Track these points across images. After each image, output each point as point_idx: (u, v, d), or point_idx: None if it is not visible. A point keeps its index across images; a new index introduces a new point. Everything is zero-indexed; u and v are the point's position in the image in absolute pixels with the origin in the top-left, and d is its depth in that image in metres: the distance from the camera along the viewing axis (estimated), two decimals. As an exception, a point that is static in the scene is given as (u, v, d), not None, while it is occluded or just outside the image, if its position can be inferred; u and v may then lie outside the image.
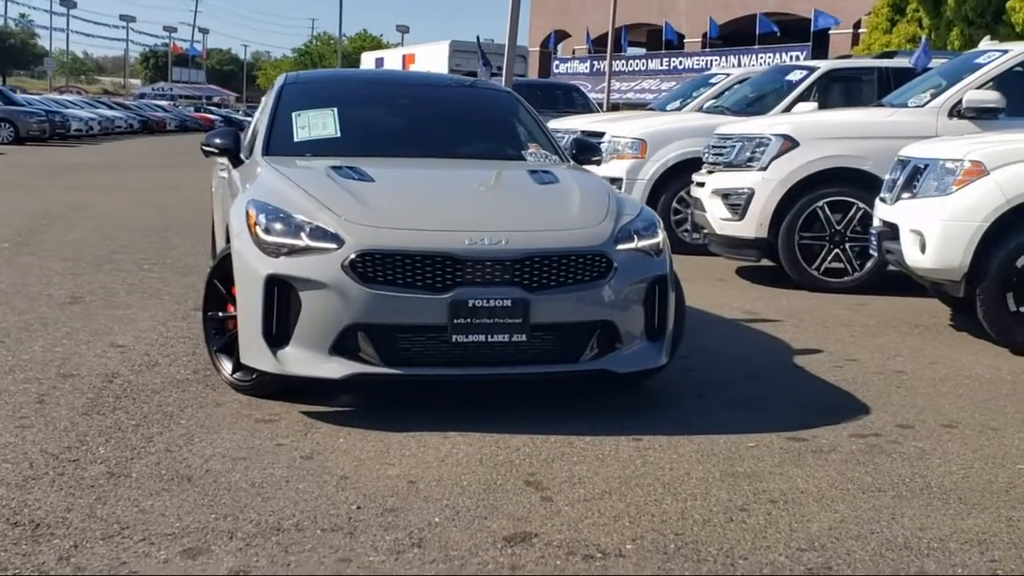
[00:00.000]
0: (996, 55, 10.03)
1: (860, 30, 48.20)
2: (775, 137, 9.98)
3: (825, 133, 10.02)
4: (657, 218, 5.93)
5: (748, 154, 10.15)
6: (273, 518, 4.04)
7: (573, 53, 62.02)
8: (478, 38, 15.30)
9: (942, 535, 4.10)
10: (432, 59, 31.89)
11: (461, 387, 5.77)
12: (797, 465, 4.86)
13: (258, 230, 5.34)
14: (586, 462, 4.80)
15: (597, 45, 57.47)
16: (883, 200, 8.51)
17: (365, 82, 8.11)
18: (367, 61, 38.75)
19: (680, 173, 12.28)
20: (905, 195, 8.00)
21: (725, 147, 10.52)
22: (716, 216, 10.32)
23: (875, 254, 8.59)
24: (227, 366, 5.74)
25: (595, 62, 57.64)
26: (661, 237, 5.73)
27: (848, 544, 3.98)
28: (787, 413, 5.70)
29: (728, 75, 15.74)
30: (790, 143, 9.92)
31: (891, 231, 8.12)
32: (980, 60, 10.13)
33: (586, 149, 7.12)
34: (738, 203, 10.08)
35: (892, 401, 6.05)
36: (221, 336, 5.84)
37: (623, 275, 5.41)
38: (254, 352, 5.31)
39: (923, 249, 7.60)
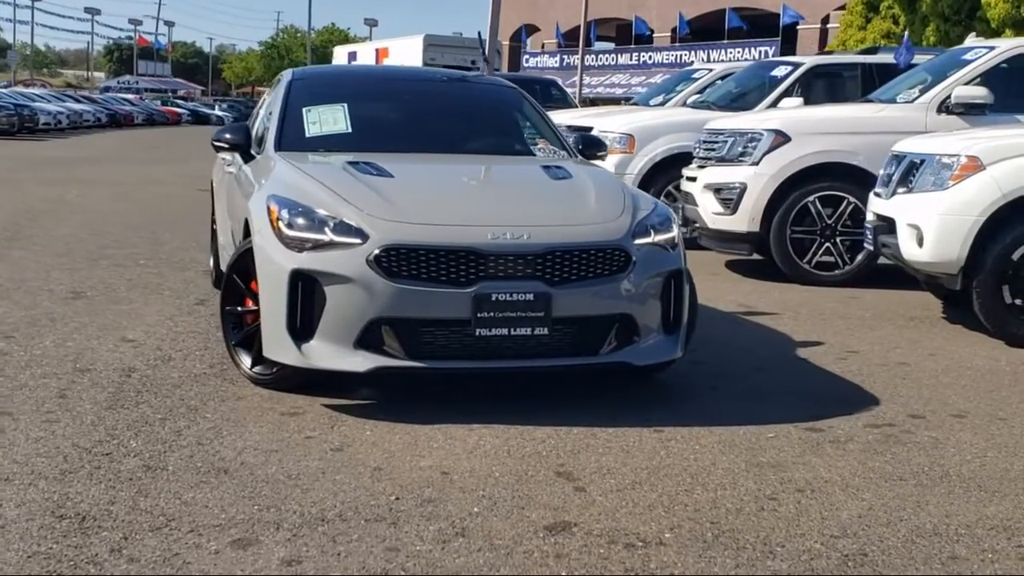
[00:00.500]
0: (983, 51, 10.19)
1: (828, 25, 48.60)
2: (767, 132, 10.10)
3: (816, 128, 10.14)
4: (672, 213, 6.02)
5: (740, 149, 10.26)
6: (316, 509, 4.10)
7: (542, 47, 62.12)
8: (479, 34, 15.34)
9: (968, 522, 4.20)
10: (406, 53, 31.88)
11: (480, 380, 5.85)
12: (817, 455, 4.95)
13: (281, 225, 5.38)
14: (612, 453, 4.88)
15: (567, 39, 57.62)
16: (878, 195, 8.63)
17: (372, 78, 8.16)
18: (339, 55, 38.64)
19: (668, 168, 12.39)
20: (901, 190, 8.12)
21: (717, 142, 10.62)
22: (708, 210, 10.42)
23: (870, 248, 8.72)
24: (246, 360, 5.78)
25: (565, 56, 57.74)
26: (676, 231, 5.82)
27: (879, 531, 4.07)
28: (799, 404, 5.80)
29: (710, 70, 15.85)
30: (782, 138, 10.04)
31: (887, 225, 8.24)
32: (967, 56, 10.28)
33: (592, 144, 7.21)
34: (730, 197, 10.19)
35: (899, 392, 6.16)
36: (239, 330, 5.89)
37: (641, 269, 5.50)
38: (278, 346, 5.35)
39: (920, 243, 7.72)
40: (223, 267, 7.79)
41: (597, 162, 7.20)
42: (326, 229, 5.29)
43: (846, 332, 7.88)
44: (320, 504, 4.16)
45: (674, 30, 54.10)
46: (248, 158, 6.74)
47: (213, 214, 8.88)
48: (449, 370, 5.41)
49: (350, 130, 6.73)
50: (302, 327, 5.29)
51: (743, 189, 10.10)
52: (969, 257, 7.57)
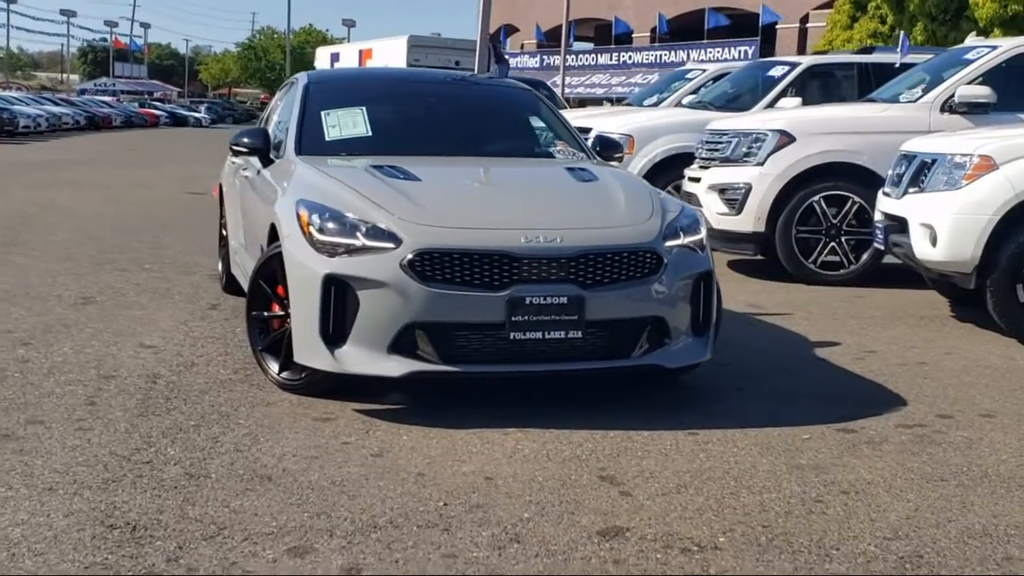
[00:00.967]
0: (985, 51, 10.24)
1: (808, 24, 48.79)
2: (772, 132, 10.12)
3: (821, 128, 10.17)
4: (700, 215, 6.02)
5: (744, 149, 10.27)
6: (366, 516, 4.08)
7: (522, 47, 62.13)
8: (490, 37, 15.28)
9: (1017, 522, 4.21)
10: (390, 54, 31.77)
11: (508, 383, 5.83)
12: (855, 456, 4.96)
13: (312, 230, 5.36)
14: (651, 456, 4.87)
15: (547, 40, 57.63)
16: (887, 194, 8.66)
17: (388, 80, 8.13)
18: (321, 57, 38.48)
19: (668, 168, 12.39)
20: (913, 190, 8.14)
21: (720, 142, 10.64)
22: (713, 211, 10.42)
23: (881, 247, 8.74)
24: (274, 366, 5.75)
25: (545, 56, 57.77)
26: (704, 233, 5.82)
27: (930, 532, 4.08)
28: (827, 405, 5.81)
29: (703, 71, 15.87)
30: (787, 138, 10.07)
31: (898, 225, 8.27)
32: (969, 56, 10.32)
33: (609, 146, 7.22)
34: (735, 198, 10.21)
35: (924, 392, 6.18)
36: (265, 336, 5.85)
37: (672, 271, 5.50)
38: (310, 351, 5.33)
39: (934, 242, 7.75)
40: (234, 271, 7.80)
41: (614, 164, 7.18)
42: (358, 234, 5.27)
43: (860, 332, 7.90)
44: (369, 511, 4.13)
45: (653, 30, 54.22)
46: (267, 162, 6.70)
47: (222, 218, 8.84)
48: (483, 374, 5.40)
49: (370, 133, 6.71)
50: (334, 332, 5.27)
51: (748, 189, 10.11)
52: (983, 256, 7.60)
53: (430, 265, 5.16)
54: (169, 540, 3.80)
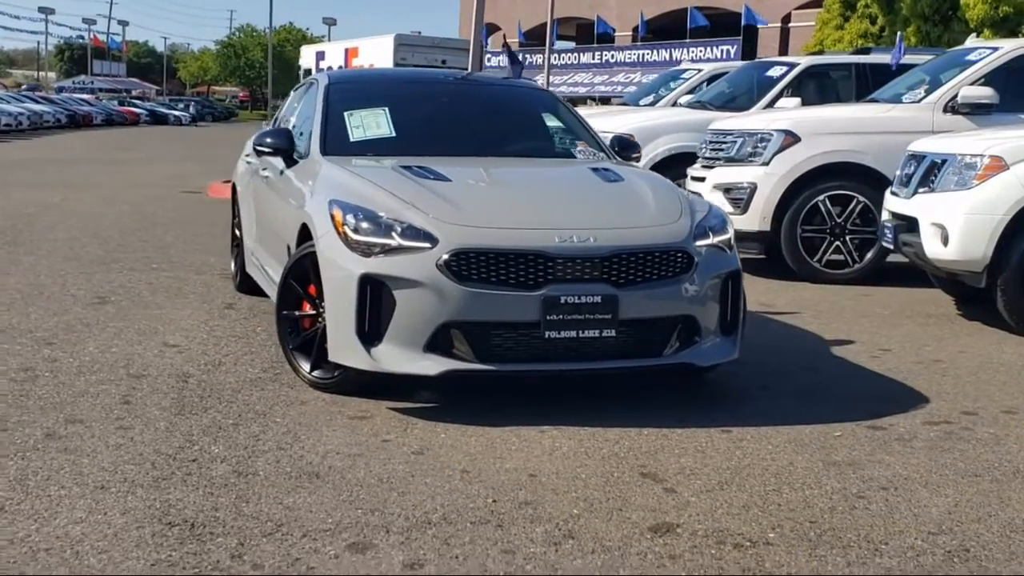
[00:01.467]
0: (987, 52, 10.35)
1: (790, 24, 49.01)
2: (777, 132, 10.21)
3: (826, 128, 10.27)
4: (726, 215, 6.09)
5: (750, 149, 10.36)
6: (418, 512, 4.13)
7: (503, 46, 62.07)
8: (505, 39, 15.35)
9: (1055, 517, 4.29)
10: (377, 53, 31.78)
11: (534, 382, 5.89)
12: (888, 453, 5.04)
13: (347, 230, 5.40)
14: (689, 454, 4.94)
15: (528, 39, 57.68)
16: (895, 194, 8.75)
17: (408, 81, 8.16)
18: (307, 55, 38.42)
19: (669, 168, 12.41)
20: (923, 189, 8.24)
21: (725, 142, 10.72)
22: (718, 210, 10.48)
23: (890, 246, 8.83)
24: (305, 365, 5.79)
25: (527, 55, 57.75)
26: (731, 233, 5.89)
27: (973, 527, 4.16)
28: (852, 402, 5.89)
29: (699, 70, 15.96)
30: (792, 138, 10.16)
31: (908, 224, 8.36)
32: (971, 57, 10.42)
33: (628, 147, 7.28)
34: (740, 197, 10.29)
35: (944, 389, 6.26)
36: (296, 335, 5.89)
37: (703, 271, 5.57)
38: (346, 350, 5.37)
39: (945, 242, 7.84)
40: (250, 271, 7.84)
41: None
42: (393, 234, 5.32)
43: (872, 330, 7.98)
44: (420, 507, 4.18)
45: (635, 29, 54.34)
46: (290, 163, 6.73)
47: (234, 218, 8.86)
48: (518, 372, 5.45)
49: (393, 134, 6.75)
50: (370, 331, 5.31)
51: (753, 189, 10.20)
52: (993, 255, 7.69)
53: (466, 265, 5.21)
54: (229, 537, 3.84)
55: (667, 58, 52.08)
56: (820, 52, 17.60)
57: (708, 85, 15.21)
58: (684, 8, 51.42)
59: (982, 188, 7.72)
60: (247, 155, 8.49)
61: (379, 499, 4.25)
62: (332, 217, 5.51)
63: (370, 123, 6.72)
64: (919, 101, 10.25)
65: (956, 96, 9.96)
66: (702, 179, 10.86)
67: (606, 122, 13.02)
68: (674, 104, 14.95)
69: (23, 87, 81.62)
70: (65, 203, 15.79)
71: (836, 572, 3.73)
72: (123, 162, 27.17)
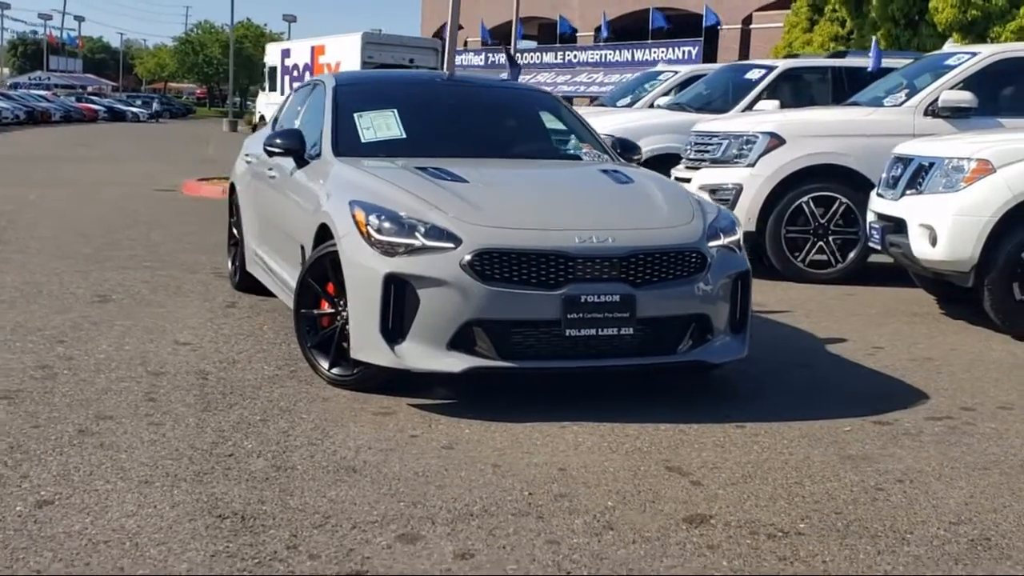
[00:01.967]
0: (966, 57, 10.59)
1: (751, 26, 49.41)
2: (763, 135, 10.41)
3: (810, 131, 10.47)
4: (735, 216, 6.26)
5: (735, 151, 10.56)
6: (459, 504, 4.25)
7: (466, 45, 62.16)
8: (506, 49, 15.46)
9: (1067, 507, 4.48)
10: (343, 51, 31.82)
11: (547, 379, 6.03)
12: (898, 447, 5.22)
13: (370, 230, 5.51)
14: (708, 448, 5.09)
15: (492, 37, 57.83)
16: (881, 196, 8.96)
17: (413, 83, 8.26)
18: (272, 52, 38.32)
19: (651, 168, 12.58)
20: (910, 191, 8.44)
21: (711, 144, 10.90)
22: (703, 211, 10.66)
23: (877, 247, 9.03)
24: (324, 363, 5.91)
25: (490, 55, 57.93)
26: (740, 234, 6.06)
27: (990, 517, 4.34)
28: (854, 399, 6.08)
29: (675, 72, 16.16)
30: (777, 140, 10.36)
31: (895, 225, 8.56)
32: (950, 62, 10.66)
33: (629, 148, 7.44)
34: (726, 198, 10.46)
35: (941, 386, 6.46)
36: (314, 333, 6.00)
37: (715, 271, 5.73)
38: (370, 348, 5.49)
39: (934, 243, 8.05)
40: (250, 269, 7.93)
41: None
42: (417, 234, 5.43)
43: (861, 328, 8.18)
44: (460, 500, 4.31)
45: (597, 29, 54.60)
46: (301, 163, 6.83)
47: (231, 217, 8.93)
48: (539, 370, 5.59)
49: (404, 135, 6.86)
50: (393, 329, 5.43)
51: (739, 190, 10.39)
52: (981, 256, 7.90)
53: (489, 265, 5.34)
54: (281, 529, 3.95)
55: (629, 59, 52.48)
56: (795, 55, 17.82)
57: (683, 87, 15.40)
58: (646, 9, 51.75)
59: (970, 190, 7.93)
60: (247, 155, 8.57)
61: (418, 492, 4.37)
62: (354, 217, 5.61)
63: (380, 124, 6.83)
64: (900, 105, 10.48)
65: (937, 100, 10.19)
66: (687, 180, 11.02)
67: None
68: (651, 106, 15.13)
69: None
70: (42, 201, 15.76)
71: (868, 560, 3.88)
72: (89, 159, 27.04)
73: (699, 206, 6.06)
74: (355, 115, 6.93)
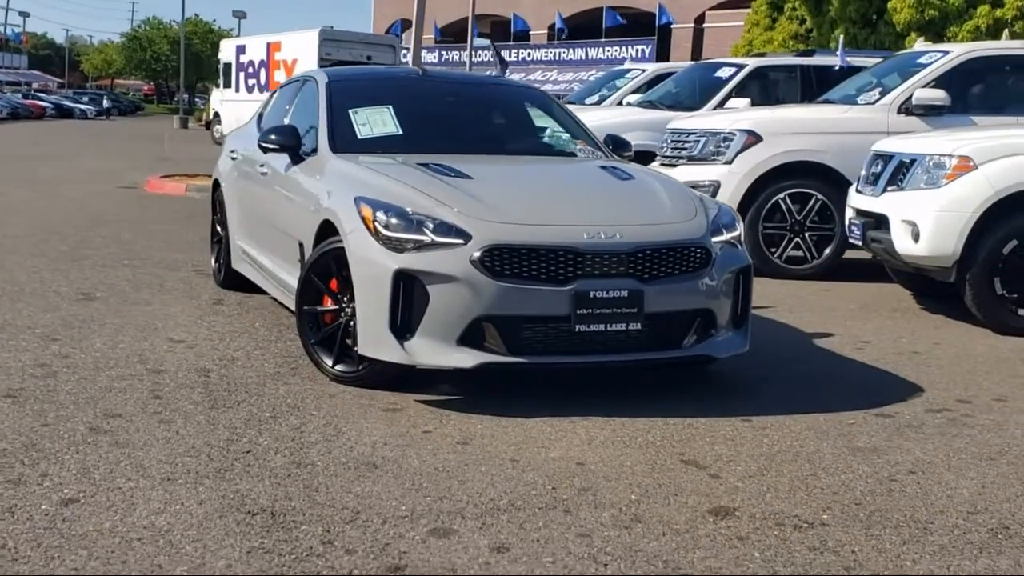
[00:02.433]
0: (938, 56, 10.73)
1: (704, 25, 49.75)
2: (740, 132, 10.50)
3: (786, 128, 10.58)
4: (736, 212, 6.32)
5: (712, 148, 10.64)
6: (484, 499, 4.27)
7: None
8: (494, 45, 15.47)
9: (1077, 496, 4.58)
10: (300, 47, 31.56)
11: (550, 375, 6.06)
12: (904, 439, 5.30)
13: (378, 226, 5.51)
14: (720, 442, 5.14)
15: (444, 35, 57.78)
16: (861, 192, 9.07)
17: (405, 80, 8.24)
18: (226, 49, 37.92)
19: (625, 165, 12.69)
20: (891, 188, 8.55)
21: (688, 141, 10.98)
22: (681, 208, 10.74)
23: (857, 243, 9.14)
24: (327, 359, 5.90)
25: (444, 52, 57.90)
26: (741, 230, 6.12)
27: (1006, 506, 4.42)
28: (852, 392, 6.16)
29: (644, 70, 16.24)
30: (754, 138, 10.46)
31: (876, 222, 8.67)
32: (923, 60, 10.80)
33: (620, 145, 7.47)
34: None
35: (933, 379, 6.56)
36: (317, 330, 5.99)
37: (719, 266, 5.79)
38: (379, 344, 5.49)
39: (916, 238, 8.16)
40: (237, 267, 7.90)
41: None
42: (425, 230, 5.44)
43: (845, 323, 8.29)
44: (485, 494, 4.33)
45: (551, 27, 54.73)
46: (296, 160, 6.80)
47: (215, 214, 8.88)
48: (549, 365, 5.61)
49: (400, 132, 6.85)
50: (403, 325, 5.43)
51: (717, 187, 10.47)
52: (963, 251, 8.02)
53: (499, 260, 5.36)
54: (313, 524, 3.95)
55: (583, 57, 52.73)
56: (763, 54, 17.97)
57: (652, 85, 15.49)
58: (600, 7, 51.95)
59: (952, 187, 8.05)
60: (231, 152, 8.53)
61: (442, 487, 4.39)
62: (360, 213, 5.61)
63: (376, 121, 6.83)
64: (874, 103, 10.60)
65: (911, 98, 10.31)
66: (664, 177, 11.09)
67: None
68: (620, 103, 15.19)
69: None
70: (4, 199, 15.54)
71: (895, 550, 3.95)
72: (44, 157, 26.72)
73: (701, 202, 6.11)
74: (350, 111, 6.91)
